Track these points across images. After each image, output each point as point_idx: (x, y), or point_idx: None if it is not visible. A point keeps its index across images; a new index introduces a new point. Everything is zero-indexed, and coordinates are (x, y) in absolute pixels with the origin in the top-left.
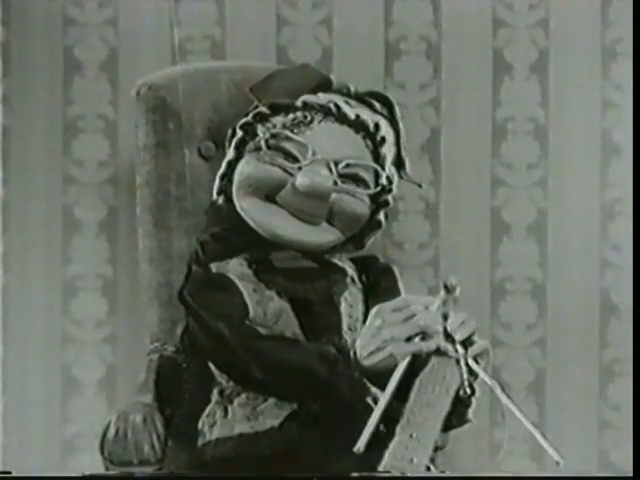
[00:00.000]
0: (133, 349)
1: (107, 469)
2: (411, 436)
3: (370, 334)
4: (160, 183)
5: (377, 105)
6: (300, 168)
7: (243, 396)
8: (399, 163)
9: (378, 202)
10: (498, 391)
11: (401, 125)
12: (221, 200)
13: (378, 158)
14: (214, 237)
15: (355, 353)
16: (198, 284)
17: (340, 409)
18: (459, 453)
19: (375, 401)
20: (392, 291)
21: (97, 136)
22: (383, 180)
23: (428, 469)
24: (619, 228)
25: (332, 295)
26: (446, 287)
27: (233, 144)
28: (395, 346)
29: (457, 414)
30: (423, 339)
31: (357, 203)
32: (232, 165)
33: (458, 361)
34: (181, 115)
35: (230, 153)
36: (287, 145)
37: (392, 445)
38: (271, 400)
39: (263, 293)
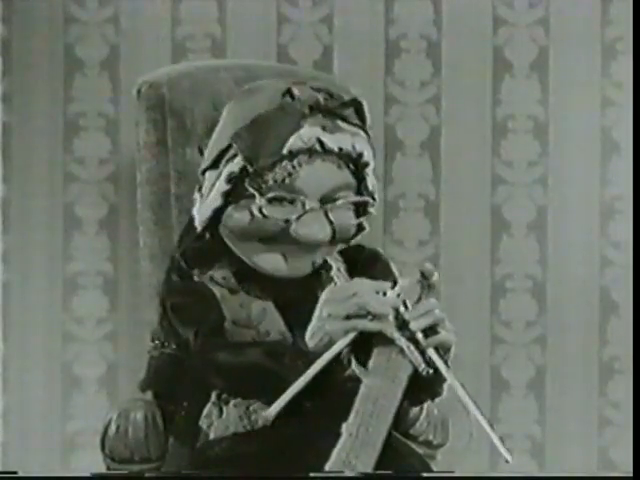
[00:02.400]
0: (134, 346)
1: (108, 466)
2: (350, 435)
3: (315, 314)
4: (161, 181)
5: (348, 114)
6: (300, 216)
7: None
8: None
9: (364, 214)
10: (455, 384)
11: (369, 121)
12: (207, 235)
13: (362, 181)
14: (195, 250)
15: (302, 342)
16: (176, 294)
17: (332, 405)
18: (459, 453)
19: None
20: (383, 277)
21: (98, 134)
22: (368, 207)
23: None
24: (619, 226)
25: (316, 290)
26: (421, 272)
27: (219, 194)
28: (330, 323)
29: (424, 388)
30: (362, 320)
31: (349, 229)
32: (219, 212)
33: (403, 350)
34: (182, 113)
35: (215, 199)
36: (281, 196)
37: (338, 444)
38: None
39: (245, 295)
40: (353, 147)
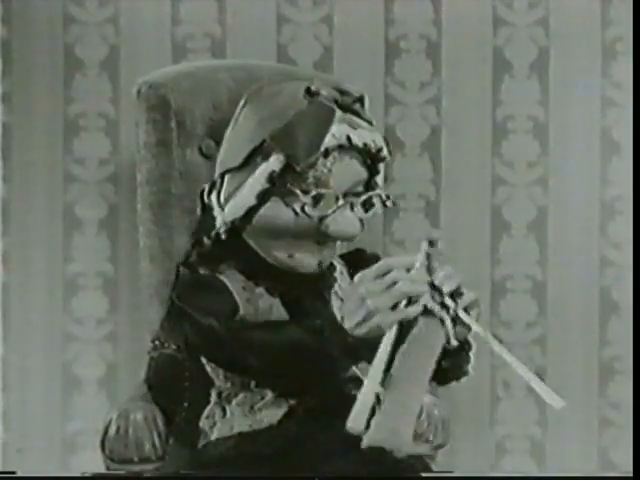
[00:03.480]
0: (134, 347)
1: (108, 467)
2: (399, 405)
3: (355, 304)
4: (161, 181)
5: (360, 109)
6: (333, 212)
7: (241, 395)
8: None
9: (368, 210)
10: (490, 340)
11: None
12: (224, 236)
13: (376, 175)
14: (208, 250)
15: (343, 321)
16: (187, 286)
17: (337, 404)
18: (459, 453)
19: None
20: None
21: (98, 134)
22: (379, 202)
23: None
24: (619, 226)
25: (322, 290)
26: (430, 242)
27: (254, 193)
28: (381, 316)
29: (453, 367)
30: (408, 303)
31: (359, 225)
32: (252, 212)
33: (442, 321)
34: (182, 113)
35: (250, 200)
36: (322, 194)
37: (379, 415)
38: (268, 398)
39: (253, 291)
40: (374, 142)
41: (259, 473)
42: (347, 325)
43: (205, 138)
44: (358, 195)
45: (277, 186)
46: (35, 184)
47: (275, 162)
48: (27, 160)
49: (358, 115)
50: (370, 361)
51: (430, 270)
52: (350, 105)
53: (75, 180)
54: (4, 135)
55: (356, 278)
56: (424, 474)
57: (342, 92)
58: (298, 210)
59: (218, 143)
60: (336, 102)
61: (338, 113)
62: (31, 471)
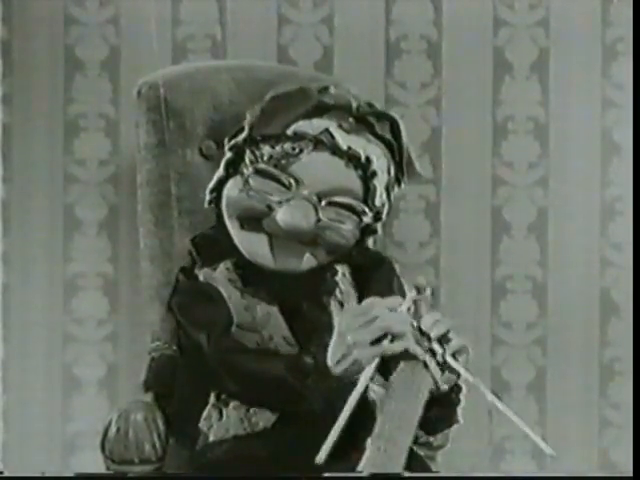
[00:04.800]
0: (134, 348)
1: (108, 467)
2: (379, 449)
3: (336, 341)
4: (161, 182)
5: (377, 126)
6: (282, 202)
7: None
8: (400, 176)
9: (367, 231)
10: (482, 387)
11: (405, 143)
12: (212, 209)
13: (368, 190)
14: (205, 237)
15: (324, 362)
16: (183, 295)
17: (334, 408)
18: (459, 453)
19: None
20: (388, 279)
21: (98, 135)
22: (367, 213)
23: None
24: (619, 227)
25: (321, 295)
26: (417, 288)
27: (223, 163)
28: (359, 351)
29: (443, 416)
30: (392, 342)
31: (341, 235)
32: (222, 183)
33: (426, 364)
34: (182, 114)
35: (220, 171)
36: (272, 177)
37: (364, 459)
38: None
39: (251, 298)
40: (363, 150)
41: (254, 476)
42: (329, 363)
43: (205, 139)
44: (330, 200)
45: (237, 156)
46: (35, 184)
47: (242, 134)
48: (27, 160)
49: (373, 131)
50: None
51: (417, 315)
52: (365, 115)
53: (75, 181)
54: (4, 135)
55: (340, 315)
56: (424, 474)
57: (369, 105)
58: (243, 183)
59: (218, 144)
60: (348, 107)
61: (336, 114)
62: (31, 471)
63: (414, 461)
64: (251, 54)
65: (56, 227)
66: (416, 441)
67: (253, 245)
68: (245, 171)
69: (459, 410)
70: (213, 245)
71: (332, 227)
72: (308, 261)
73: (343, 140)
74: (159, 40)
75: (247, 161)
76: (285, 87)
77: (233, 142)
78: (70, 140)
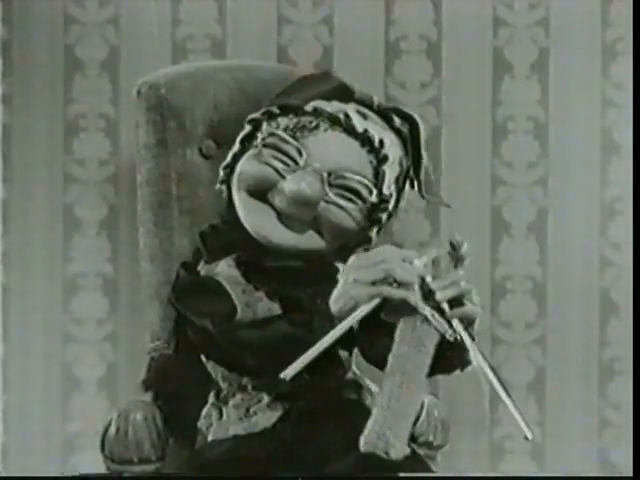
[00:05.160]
0: (134, 347)
1: (108, 467)
2: (388, 407)
3: (340, 279)
4: (161, 182)
5: (397, 121)
6: (293, 172)
7: (238, 397)
8: (418, 183)
9: (371, 219)
10: (476, 352)
11: (423, 145)
12: (223, 190)
13: (377, 175)
14: (213, 229)
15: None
16: (184, 288)
17: (332, 407)
18: (459, 453)
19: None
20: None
21: (98, 135)
22: (373, 198)
23: (409, 444)
24: (619, 227)
25: (322, 292)
26: (451, 244)
27: (239, 138)
28: (356, 289)
29: (456, 356)
30: (388, 287)
31: (344, 216)
32: (236, 158)
33: (427, 318)
34: (182, 114)
35: (236, 146)
36: (284, 147)
37: (372, 420)
38: (264, 402)
39: (252, 294)
40: (378, 134)
41: (254, 476)
42: (330, 301)
43: (205, 139)
44: (340, 177)
45: (255, 131)
46: (35, 184)
47: (261, 110)
48: (27, 160)
49: (392, 125)
50: (361, 345)
51: (437, 272)
52: (385, 110)
53: (75, 181)
54: (4, 135)
55: (351, 257)
56: (424, 474)
57: (395, 109)
58: (255, 155)
59: (218, 144)
60: (370, 103)
61: (357, 104)
62: (31, 471)
63: (414, 461)
64: (251, 54)
65: (56, 227)
66: (416, 441)
67: (259, 217)
68: (260, 141)
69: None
70: (220, 237)
71: (337, 204)
72: (311, 239)
73: (360, 123)
74: (159, 40)
75: (264, 132)
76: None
77: (252, 116)
78: (70, 140)
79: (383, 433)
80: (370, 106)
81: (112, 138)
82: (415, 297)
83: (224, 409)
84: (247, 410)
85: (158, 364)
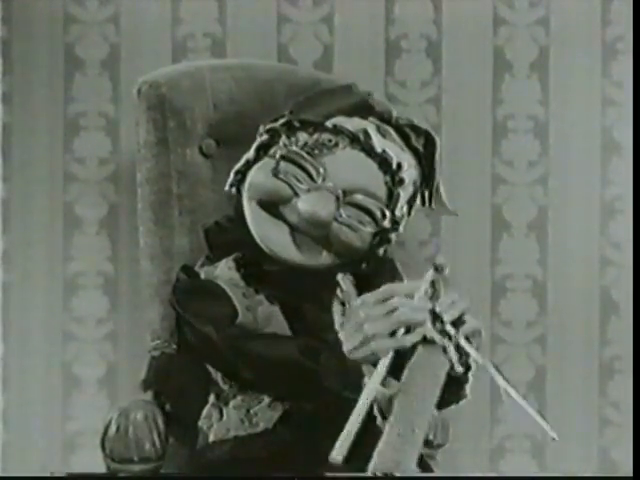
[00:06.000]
0: (134, 347)
1: (108, 466)
2: (399, 435)
3: (353, 328)
4: (161, 181)
5: (413, 138)
6: (308, 190)
7: (238, 398)
8: (429, 197)
9: (381, 238)
10: (492, 371)
11: (437, 162)
12: (233, 192)
13: (391, 197)
14: (217, 225)
15: (340, 344)
16: (185, 292)
17: (333, 408)
18: (459, 453)
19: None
20: (390, 279)
21: (98, 134)
22: (386, 221)
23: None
24: (619, 226)
25: (322, 295)
26: (435, 267)
27: (255, 145)
28: (377, 343)
29: (452, 391)
30: (408, 332)
31: (356, 236)
32: (250, 164)
33: (445, 349)
34: (182, 113)
35: (250, 153)
36: (302, 164)
37: (380, 444)
38: (264, 402)
39: (252, 298)
40: (397, 156)
41: (255, 477)
42: (345, 349)
43: (205, 137)
44: (353, 203)
45: (271, 140)
46: (35, 183)
47: (280, 120)
48: (27, 159)
49: (408, 142)
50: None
51: (434, 297)
52: (402, 126)
53: (75, 179)
54: (4, 134)
55: (357, 302)
56: (424, 474)
57: (410, 122)
58: (271, 167)
59: (218, 142)
60: (389, 117)
61: (375, 119)
62: (31, 470)
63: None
64: (251, 53)
65: (56, 226)
66: None
67: (270, 232)
68: (277, 154)
69: (467, 387)
70: (224, 235)
71: (350, 225)
72: (320, 257)
73: (379, 143)
74: (159, 39)
75: (281, 144)
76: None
77: (270, 125)
78: (70, 139)
79: (397, 460)
80: (389, 121)
81: (112, 137)
82: (431, 332)
83: (225, 410)
84: (248, 411)
85: (158, 363)
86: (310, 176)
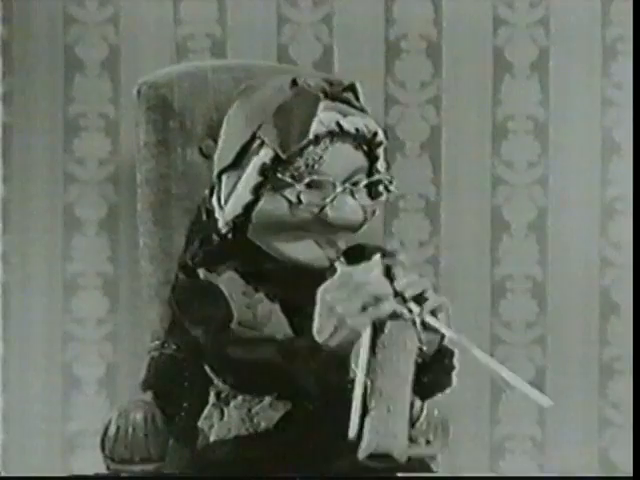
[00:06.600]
0: (134, 347)
1: (108, 467)
2: (388, 410)
3: (326, 315)
4: (161, 181)
5: (352, 99)
6: (331, 200)
7: (239, 398)
8: None
9: (373, 197)
10: (464, 342)
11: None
12: (230, 235)
13: (374, 162)
14: (206, 253)
15: (314, 340)
16: (183, 292)
17: (335, 407)
18: (459, 453)
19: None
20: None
21: (98, 134)
22: (382, 187)
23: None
24: (619, 226)
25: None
26: (383, 254)
27: (250, 188)
28: (353, 319)
29: (437, 379)
30: (376, 306)
31: (361, 214)
32: (249, 208)
33: (414, 322)
34: (182, 113)
35: (246, 195)
36: (317, 181)
37: (371, 422)
38: (265, 402)
39: (252, 296)
40: (367, 127)
41: (257, 477)
42: (320, 341)
43: (205, 138)
44: (358, 183)
45: (270, 178)
46: (35, 184)
47: (265, 154)
48: (27, 160)
49: (348, 103)
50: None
51: (391, 278)
52: (339, 94)
53: (75, 180)
54: (4, 135)
55: (319, 293)
56: (424, 474)
57: (331, 82)
58: (293, 199)
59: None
60: (324, 92)
61: (325, 102)
62: (31, 471)
63: (414, 460)
64: (251, 53)
65: (56, 226)
66: (415, 441)
67: (306, 251)
68: (291, 189)
69: (453, 375)
70: (214, 257)
71: (368, 208)
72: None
73: (349, 124)
74: (159, 40)
75: (286, 179)
76: (261, 94)
77: (259, 165)
78: (70, 139)
79: (386, 433)
80: (326, 95)
81: (112, 138)
82: (397, 306)
83: (225, 410)
84: (249, 411)
85: (158, 363)
86: (323, 189)
